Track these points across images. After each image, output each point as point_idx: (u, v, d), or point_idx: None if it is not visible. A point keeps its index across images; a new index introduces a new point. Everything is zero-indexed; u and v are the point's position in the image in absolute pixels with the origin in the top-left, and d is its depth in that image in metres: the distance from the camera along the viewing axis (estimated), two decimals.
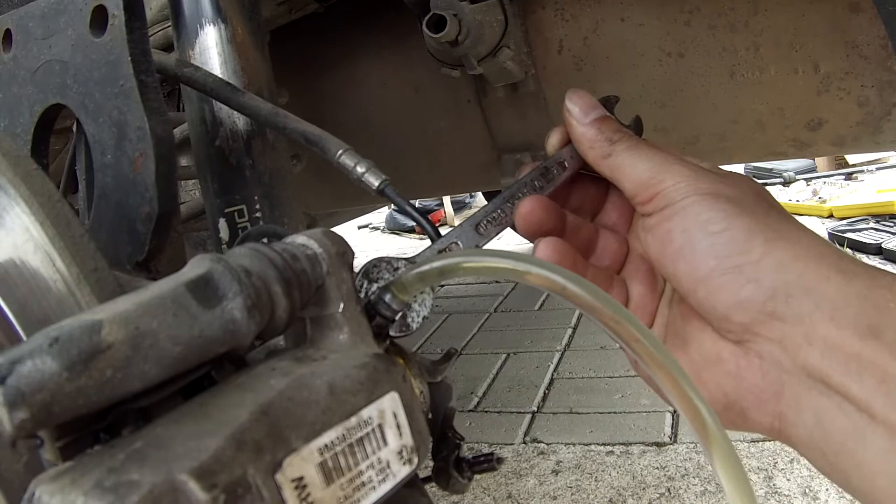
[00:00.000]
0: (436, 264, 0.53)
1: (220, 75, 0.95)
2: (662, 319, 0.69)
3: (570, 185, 0.74)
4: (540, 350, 3.29)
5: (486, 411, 2.84)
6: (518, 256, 0.50)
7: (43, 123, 0.75)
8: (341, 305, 0.49)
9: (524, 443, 2.57)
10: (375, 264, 0.58)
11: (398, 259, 0.64)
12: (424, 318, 0.60)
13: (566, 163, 0.73)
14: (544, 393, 2.91)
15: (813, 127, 1.44)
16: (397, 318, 0.57)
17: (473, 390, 3.01)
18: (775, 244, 0.56)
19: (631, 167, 0.66)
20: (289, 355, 0.46)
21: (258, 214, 0.94)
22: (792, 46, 1.35)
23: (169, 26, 1.17)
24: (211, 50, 0.97)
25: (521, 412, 2.78)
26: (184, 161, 1.41)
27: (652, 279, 0.70)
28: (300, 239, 0.49)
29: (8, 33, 0.75)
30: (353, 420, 0.41)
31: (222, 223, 0.94)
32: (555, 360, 3.17)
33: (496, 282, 4.67)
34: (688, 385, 0.45)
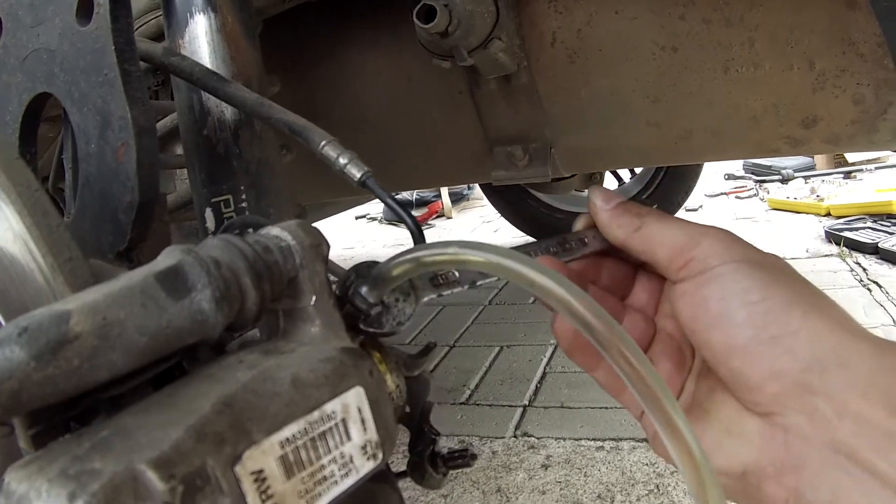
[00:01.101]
0: (410, 255, 0.53)
1: (209, 64, 0.95)
2: (687, 394, 0.69)
3: (598, 268, 0.74)
4: (533, 343, 3.29)
5: (478, 404, 2.84)
6: (499, 251, 0.50)
7: (31, 112, 0.75)
8: (314, 298, 0.49)
9: (515, 436, 2.57)
10: (368, 265, 0.58)
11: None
12: (399, 324, 0.60)
13: (586, 240, 0.72)
14: (536, 387, 2.90)
15: (807, 124, 1.44)
16: (373, 312, 0.58)
17: (466, 383, 3.01)
18: (812, 316, 0.56)
19: (664, 234, 0.66)
20: (259, 347, 0.46)
21: (244, 205, 0.94)
22: (787, 42, 1.35)
23: (160, 15, 1.17)
24: (200, 39, 0.97)
25: (512, 405, 2.78)
26: (178, 150, 1.41)
27: (679, 357, 0.70)
28: (274, 230, 0.49)
29: None
30: (316, 414, 0.41)
31: (209, 213, 0.95)
32: (548, 354, 3.16)
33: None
34: (683, 424, 0.46)
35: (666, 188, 4.38)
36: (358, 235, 6.72)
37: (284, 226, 0.50)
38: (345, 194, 2.55)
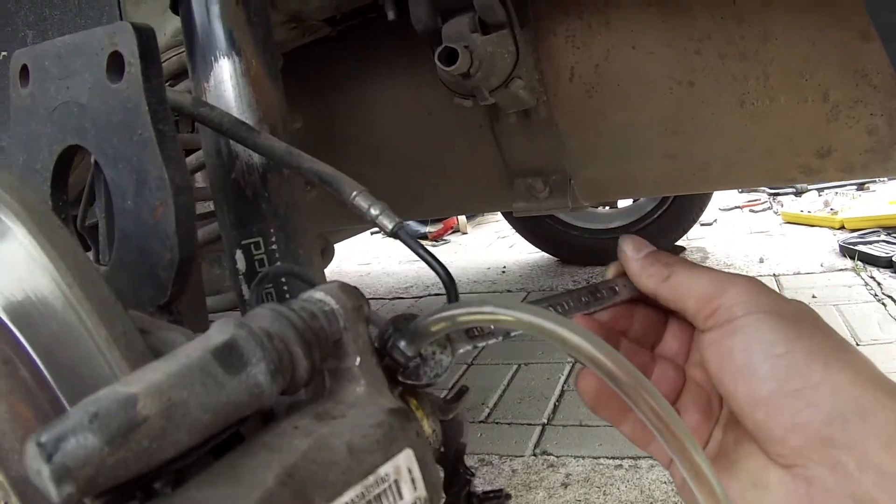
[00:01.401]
0: (447, 313, 0.55)
1: (234, 108, 0.96)
2: (714, 443, 0.69)
3: (629, 316, 0.75)
4: (551, 361, 3.29)
5: (497, 422, 2.84)
6: (531, 310, 0.52)
7: (62, 162, 0.76)
8: (358, 359, 0.51)
9: (534, 455, 2.58)
10: (405, 316, 0.60)
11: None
12: (436, 375, 0.61)
13: (617, 288, 0.74)
14: (555, 405, 2.91)
15: (822, 154, 1.45)
16: (411, 365, 0.59)
17: (484, 401, 3.02)
18: (833, 368, 0.57)
19: (692, 282, 0.67)
20: (309, 411, 0.47)
21: (274, 247, 0.95)
22: (802, 75, 1.36)
23: (183, 52, 1.19)
24: (225, 83, 0.98)
25: (531, 424, 2.78)
26: (199, 182, 1.42)
27: (707, 407, 0.71)
28: (317, 294, 0.51)
29: (25, 69, 0.76)
30: (371, 478, 0.43)
31: (239, 255, 0.96)
32: (565, 372, 3.17)
33: (508, 291, 4.68)
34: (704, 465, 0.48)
35: (680, 204, 4.38)
36: (374, 251, 6.72)
37: (327, 289, 0.51)
38: (362, 222, 2.57)
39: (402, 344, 0.57)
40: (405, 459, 0.46)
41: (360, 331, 0.51)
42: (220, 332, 0.43)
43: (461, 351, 0.63)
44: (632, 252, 0.72)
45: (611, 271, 0.76)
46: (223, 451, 0.43)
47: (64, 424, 0.34)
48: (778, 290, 3.81)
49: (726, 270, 0.67)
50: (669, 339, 0.76)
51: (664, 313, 0.76)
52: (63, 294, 0.45)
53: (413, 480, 0.46)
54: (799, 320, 0.61)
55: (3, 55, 1.49)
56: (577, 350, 0.50)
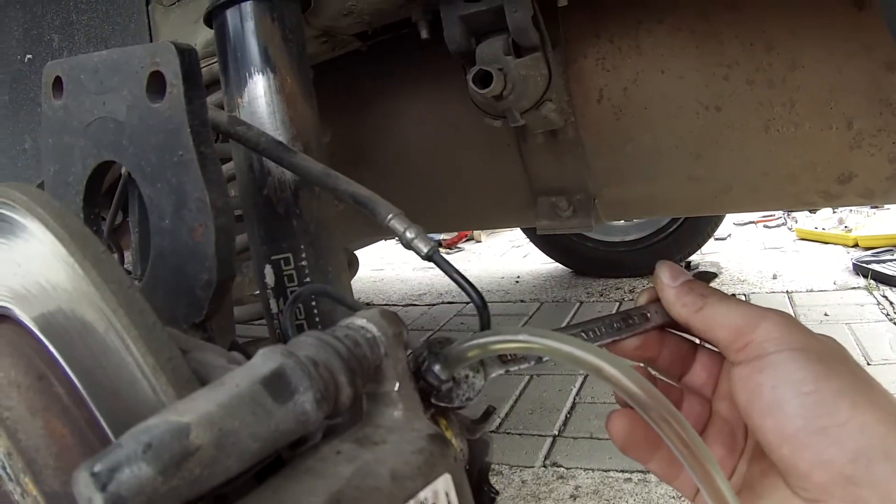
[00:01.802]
0: (481, 340, 0.56)
1: (268, 125, 0.97)
2: (739, 476, 0.70)
3: (659, 343, 0.76)
4: (563, 373, 3.29)
5: (508, 433, 2.85)
6: (561, 339, 0.53)
7: (95, 176, 0.76)
8: (397, 384, 0.52)
9: (544, 466, 2.58)
10: (440, 340, 0.61)
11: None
12: (469, 399, 0.62)
13: (649, 315, 0.74)
14: (566, 417, 2.91)
15: (843, 181, 1.45)
16: (444, 388, 0.60)
17: (496, 411, 3.02)
18: (861, 407, 0.58)
19: (725, 315, 0.67)
20: (350, 436, 0.48)
21: (304, 263, 0.96)
22: (827, 103, 1.37)
23: (215, 62, 1.19)
24: (260, 99, 0.99)
25: (542, 435, 2.79)
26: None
27: (733, 441, 0.72)
28: (359, 322, 0.52)
29: (58, 80, 0.76)
30: (412, 503, 0.44)
31: (268, 269, 0.97)
32: (577, 384, 3.17)
33: (521, 301, 4.69)
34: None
35: (696, 218, 4.38)
36: (388, 257, 6.74)
37: (368, 316, 0.52)
38: (383, 234, 2.59)
39: (437, 368, 0.58)
40: (443, 484, 0.47)
41: (400, 357, 0.52)
42: (267, 360, 0.43)
43: (493, 375, 0.65)
44: (668, 279, 0.72)
45: (644, 297, 0.76)
46: (264, 473, 0.44)
47: (117, 454, 0.35)
48: (790, 308, 3.82)
49: (754, 301, 0.67)
50: (698, 369, 0.77)
51: (693, 343, 0.77)
52: (106, 319, 0.45)
53: (450, 503, 0.47)
54: (828, 358, 0.62)
55: (29, 58, 1.49)
56: (611, 380, 0.51)
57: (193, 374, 0.47)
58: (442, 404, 0.60)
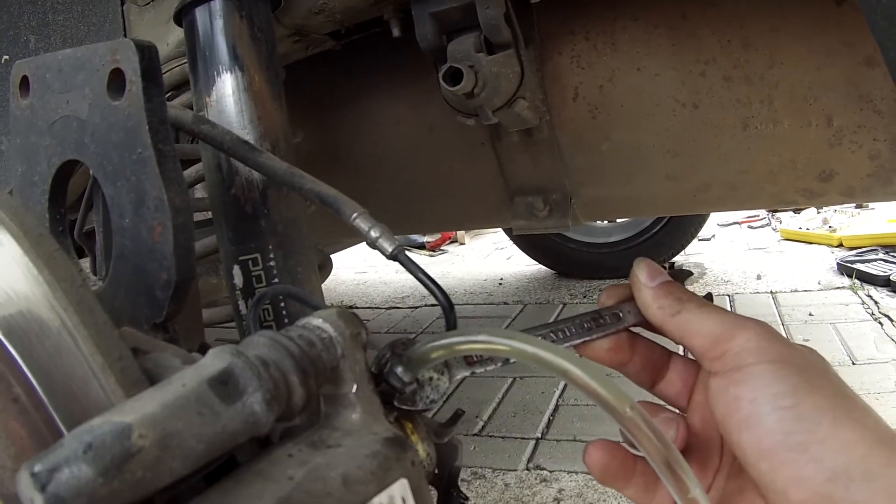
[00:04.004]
0: (444, 341, 0.55)
1: (235, 124, 0.96)
2: (716, 491, 0.69)
3: (630, 348, 0.73)
4: (546, 375, 3.26)
5: (491, 436, 2.85)
6: (526, 339, 0.52)
7: (60, 175, 0.75)
8: (354, 386, 0.51)
9: (527, 469, 2.58)
10: (403, 342, 0.60)
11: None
12: (432, 401, 0.61)
13: (621, 315, 0.72)
14: (549, 419, 2.91)
15: (824, 178, 1.44)
16: (407, 390, 0.59)
17: (479, 414, 3.02)
18: (841, 424, 0.56)
19: (702, 322, 0.66)
20: (304, 439, 0.47)
21: (272, 263, 0.95)
22: (806, 100, 1.36)
23: (186, 62, 1.18)
24: (228, 98, 0.98)
25: (525, 438, 2.79)
26: (198, 193, 1.42)
27: (706, 457, 0.70)
28: (315, 321, 0.51)
29: (25, 80, 0.75)
30: None
31: (236, 270, 0.96)
32: (560, 387, 3.17)
33: (504, 303, 4.68)
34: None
35: (679, 219, 4.40)
36: (370, 260, 6.73)
37: (325, 316, 0.51)
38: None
39: (399, 370, 0.57)
40: (399, 489, 0.46)
41: (358, 358, 0.51)
42: (216, 360, 0.43)
43: (459, 377, 0.64)
44: (645, 279, 0.71)
45: (615, 294, 0.75)
46: (216, 475, 0.43)
47: (58, 454, 0.34)
48: (775, 308, 3.83)
49: (731, 302, 0.66)
50: (673, 377, 0.75)
51: (667, 350, 0.75)
52: (59, 318, 0.45)
53: None
54: (809, 371, 0.61)
55: (6, 59, 1.48)
56: (577, 382, 0.51)
57: (145, 375, 0.46)
58: (405, 407, 0.59)
